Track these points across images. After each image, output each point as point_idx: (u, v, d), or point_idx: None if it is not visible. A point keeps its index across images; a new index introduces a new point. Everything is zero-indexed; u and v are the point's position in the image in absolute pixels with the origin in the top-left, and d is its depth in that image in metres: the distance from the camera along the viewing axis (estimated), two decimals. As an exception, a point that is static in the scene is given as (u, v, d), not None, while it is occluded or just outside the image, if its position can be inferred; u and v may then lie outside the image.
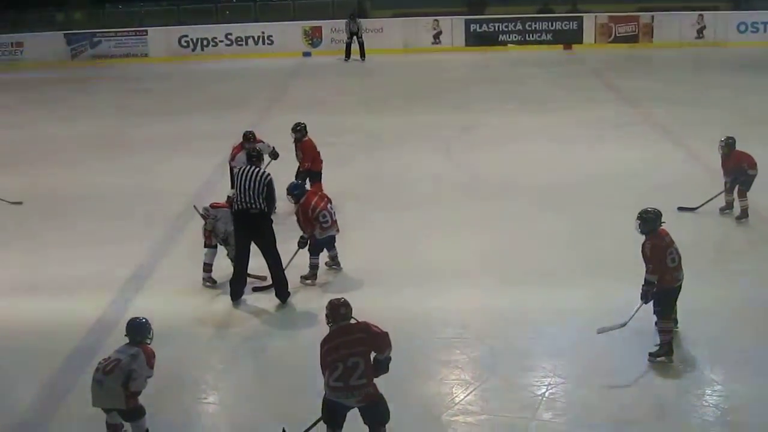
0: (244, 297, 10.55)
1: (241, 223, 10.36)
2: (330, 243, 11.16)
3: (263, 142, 13.63)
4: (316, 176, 13.54)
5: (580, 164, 15.86)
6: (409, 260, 11.67)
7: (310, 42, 31.44)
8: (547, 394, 8.35)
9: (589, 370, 8.76)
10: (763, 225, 12.68)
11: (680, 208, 12.46)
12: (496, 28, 31.43)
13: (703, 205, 12.19)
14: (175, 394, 8.56)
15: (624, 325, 8.84)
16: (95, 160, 17.58)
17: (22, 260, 12.22)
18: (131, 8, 33.05)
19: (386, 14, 32.69)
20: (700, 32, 30.64)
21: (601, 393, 8.37)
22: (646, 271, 8.73)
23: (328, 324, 7.18)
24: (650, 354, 8.80)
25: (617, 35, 30.99)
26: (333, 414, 7.07)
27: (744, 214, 12.61)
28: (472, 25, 31.50)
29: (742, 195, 12.57)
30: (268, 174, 10.50)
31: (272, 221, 10.51)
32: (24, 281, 11.44)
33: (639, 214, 8.96)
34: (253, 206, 10.18)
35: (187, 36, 31.48)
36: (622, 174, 15.04)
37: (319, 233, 10.88)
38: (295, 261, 10.88)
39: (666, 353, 8.75)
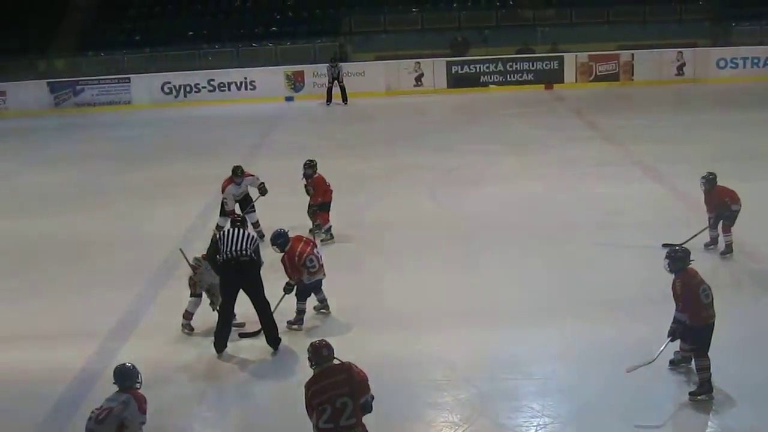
0: (229, 344, 10.43)
1: (231, 270, 10.23)
2: (317, 287, 11.15)
3: (253, 176, 13.90)
4: (325, 207, 14.19)
5: (563, 203, 15.91)
6: (396, 302, 11.64)
7: (292, 87, 31.54)
8: (536, 435, 8.32)
9: (577, 410, 8.73)
10: (747, 260, 12.72)
11: (665, 245, 12.46)
12: (478, 70, 31.67)
13: (687, 241, 12.19)
14: (164, 444, 8.48)
15: (652, 362, 8.78)
16: (79, 208, 17.58)
17: (6, 310, 12.09)
18: (113, 55, 32.99)
19: (368, 57, 32.86)
20: (680, 69, 30.93)
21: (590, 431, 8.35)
22: (676, 309, 8.71)
23: (311, 367, 7.19)
24: (690, 393, 8.74)
25: (598, 74, 31.24)
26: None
27: (728, 249, 12.66)
28: (453, 67, 31.72)
29: (727, 230, 12.63)
30: (254, 236, 10.63)
31: (259, 269, 10.48)
32: (9, 331, 11.33)
33: (667, 253, 9.03)
34: (244, 254, 10.14)
35: (169, 82, 31.57)
36: (606, 212, 15.09)
37: (306, 278, 10.86)
38: (281, 307, 10.84)
39: (707, 391, 8.68)
